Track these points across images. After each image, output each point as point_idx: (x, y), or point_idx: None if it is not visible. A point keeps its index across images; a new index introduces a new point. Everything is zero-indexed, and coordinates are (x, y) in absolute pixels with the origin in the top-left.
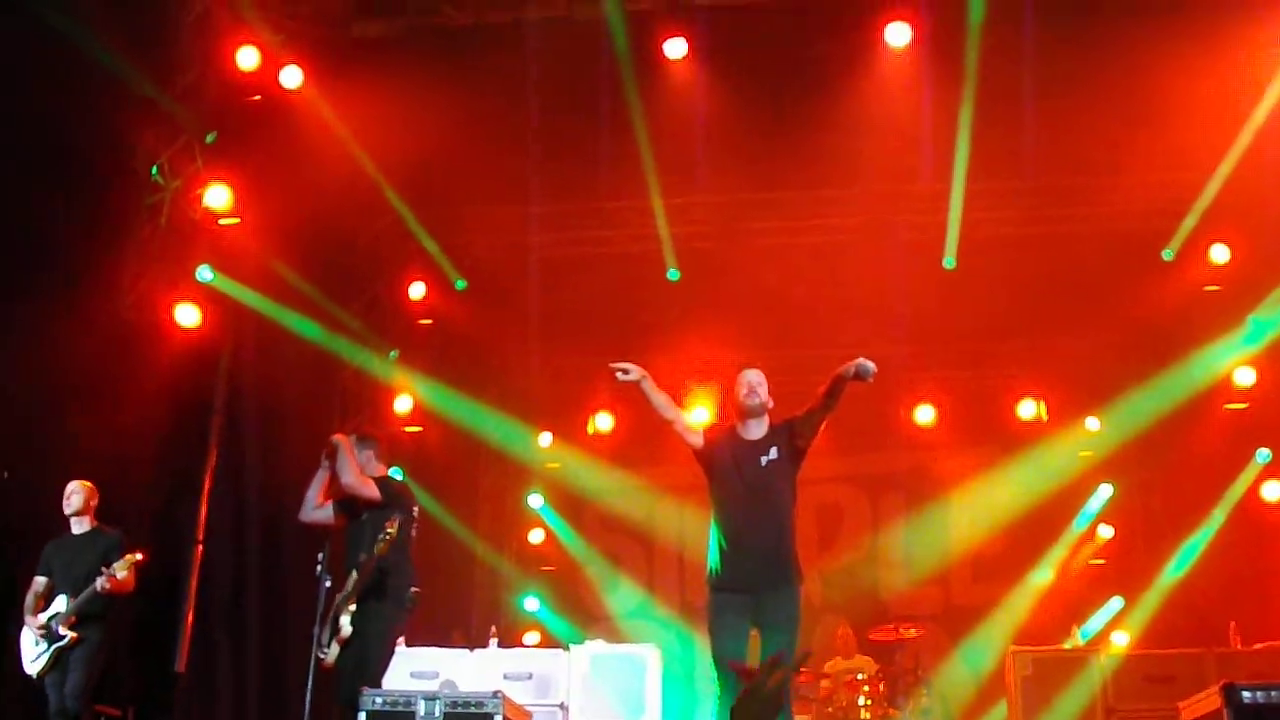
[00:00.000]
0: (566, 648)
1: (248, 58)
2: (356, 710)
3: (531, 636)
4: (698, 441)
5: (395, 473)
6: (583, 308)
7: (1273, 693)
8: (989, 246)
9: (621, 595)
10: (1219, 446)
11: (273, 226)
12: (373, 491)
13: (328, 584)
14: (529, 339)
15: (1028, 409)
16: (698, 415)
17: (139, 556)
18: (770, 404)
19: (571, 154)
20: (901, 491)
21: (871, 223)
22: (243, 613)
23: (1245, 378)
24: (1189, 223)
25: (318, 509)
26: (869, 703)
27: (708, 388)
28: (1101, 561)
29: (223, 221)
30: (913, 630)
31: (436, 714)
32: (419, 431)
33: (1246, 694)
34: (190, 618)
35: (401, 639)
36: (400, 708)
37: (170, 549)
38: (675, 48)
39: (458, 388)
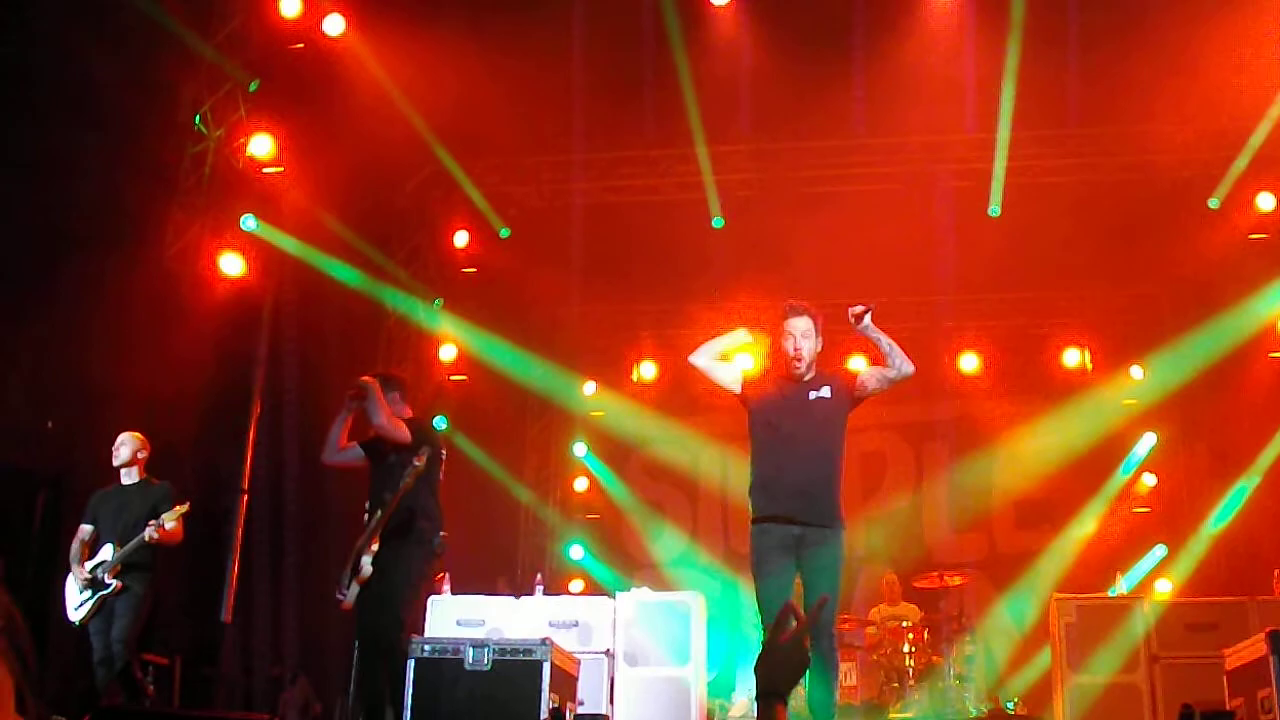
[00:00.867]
0: (611, 595)
1: (290, 5)
2: (380, 651)
3: (576, 584)
4: (737, 389)
5: (439, 421)
6: (627, 255)
7: None
8: (1034, 195)
9: (666, 543)
10: (1263, 395)
11: (316, 175)
12: (403, 433)
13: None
14: (573, 287)
15: (1072, 357)
16: (740, 364)
17: (187, 508)
18: (819, 347)
19: (616, 102)
20: (945, 440)
21: (916, 171)
22: (285, 561)
23: None
24: (1235, 170)
25: (341, 451)
26: (913, 649)
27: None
28: (1145, 510)
29: (266, 171)
30: (957, 578)
31: (485, 661)
32: (464, 380)
33: None
34: (236, 567)
35: (448, 587)
36: (449, 655)
37: (215, 499)
38: None
39: (502, 336)
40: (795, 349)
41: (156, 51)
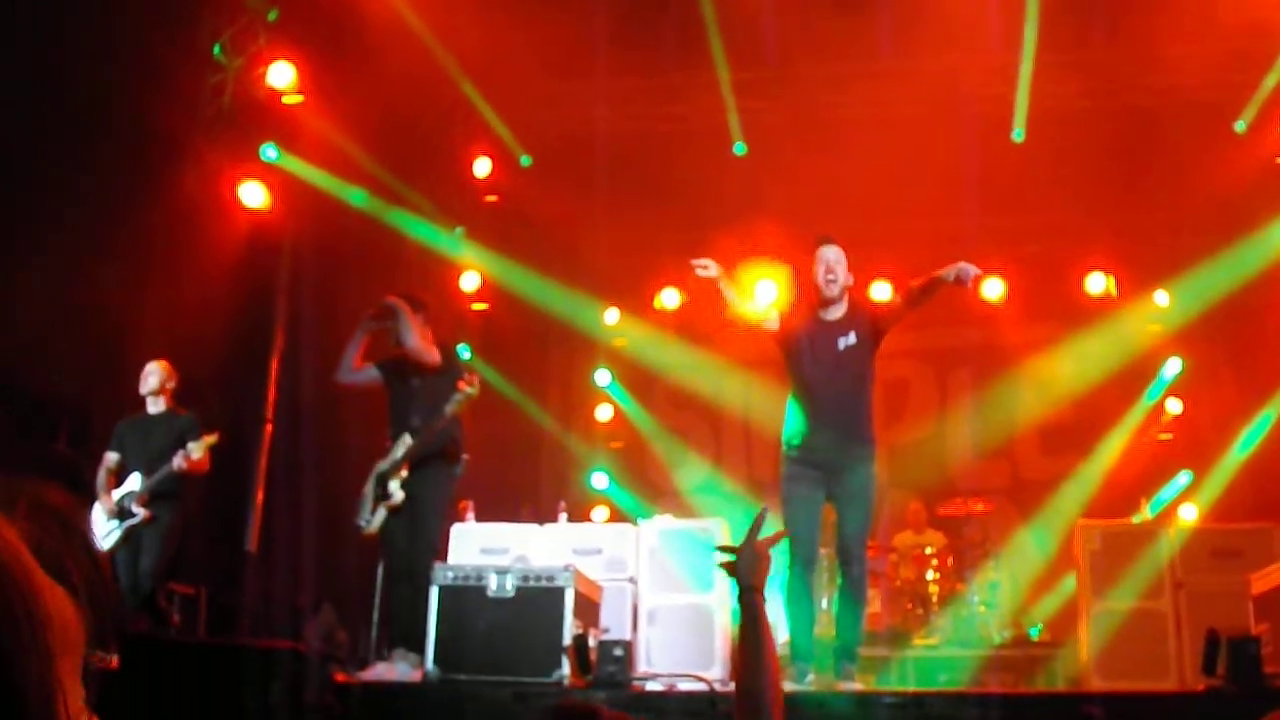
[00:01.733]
0: (634, 523)
1: None
2: (417, 579)
3: (600, 512)
4: (774, 327)
5: (463, 350)
6: (648, 182)
7: None
8: (1058, 119)
9: (689, 470)
10: None
11: (336, 105)
12: (435, 356)
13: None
14: (595, 215)
15: (1096, 283)
16: (766, 293)
17: (215, 438)
18: (850, 282)
19: (637, 27)
20: (969, 366)
21: (939, 95)
22: (305, 490)
23: None
24: (1262, 93)
25: (356, 371)
26: (937, 576)
27: (777, 266)
28: (1169, 436)
29: (286, 100)
30: (980, 504)
31: (508, 588)
32: (486, 309)
33: None
34: (260, 497)
35: (472, 515)
36: (472, 582)
37: (237, 428)
38: None
39: (524, 264)
40: (828, 268)
41: None
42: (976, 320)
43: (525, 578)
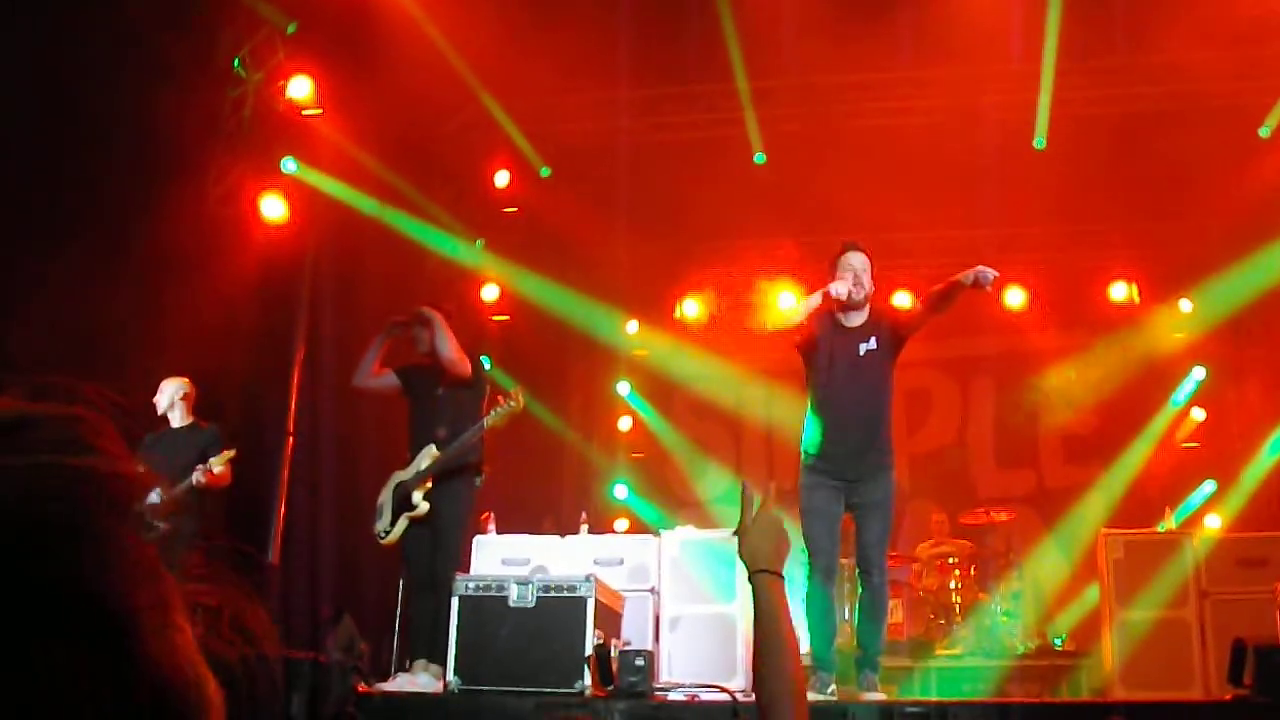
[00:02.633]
0: (656, 533)
1: None
2: (439, 591)
3: (621, 523)
4: (800, 319)
5: (484, 362)
6: (668, 192)
7: None
8: (1080, 126)
9: (710, 480)
10: None
11: (356, 117)
12: (468, 367)
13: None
14: (615, 225)
15: (1119, 291)
16: (784, 301)
17: (234, 453)
18: (872, 290)
19: (656, 38)
20: (991, 375)
21: (960, 103)
22: (324, 502)
23: None
24: None
25: (375, 377)
26: (960, 585)
27: (792, 277)
28: (1194, 445)
29: (306, 113)
30: (1003, 513)
31: (529, 598)
32: (507, 320)
33: None
34: (283, 509)
35: (493, 526)
36: (494, 592)
37: (259, 440)
38: None
39: (544, 275)
40: (855, 278)
41: None
42: (998, 329)
43: (547, 588)
